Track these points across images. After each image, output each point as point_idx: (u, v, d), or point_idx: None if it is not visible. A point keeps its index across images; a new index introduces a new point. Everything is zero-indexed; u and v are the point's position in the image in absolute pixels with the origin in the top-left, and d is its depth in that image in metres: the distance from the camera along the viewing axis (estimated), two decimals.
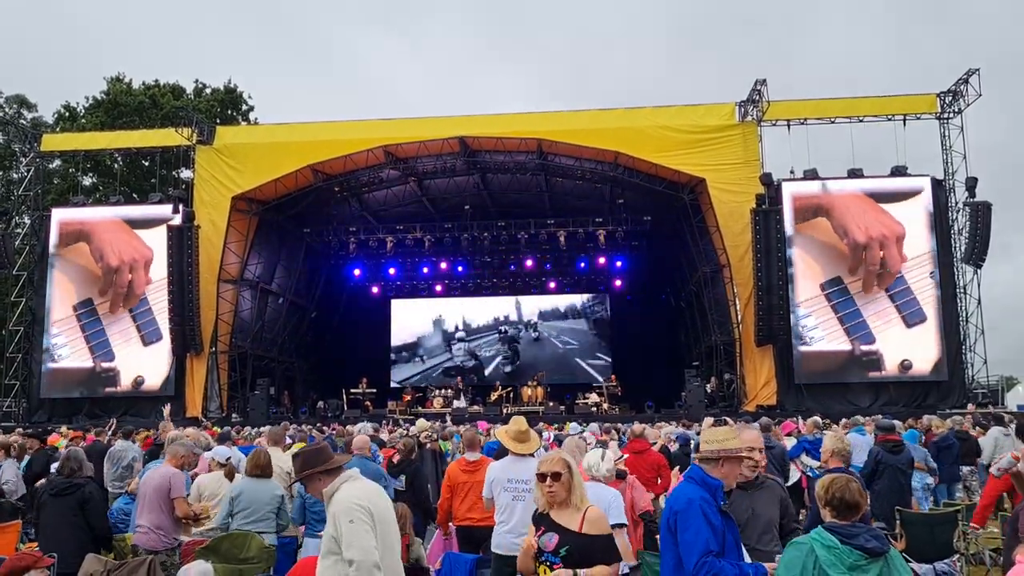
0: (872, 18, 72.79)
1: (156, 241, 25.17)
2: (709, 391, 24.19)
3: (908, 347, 22.80)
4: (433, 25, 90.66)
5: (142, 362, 24.98)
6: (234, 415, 24.12)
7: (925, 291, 22.97)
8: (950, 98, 24.20)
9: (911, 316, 22.88)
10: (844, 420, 13.93)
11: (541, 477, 3.94)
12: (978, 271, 23.64)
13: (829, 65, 69.67)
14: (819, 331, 23.08)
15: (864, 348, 22.81)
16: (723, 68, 73.56)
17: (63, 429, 17.09)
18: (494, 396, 26.67)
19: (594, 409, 24.82)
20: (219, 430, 14.37)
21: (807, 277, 23.32)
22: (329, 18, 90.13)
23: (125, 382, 24.99)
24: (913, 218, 23.31)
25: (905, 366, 22.73)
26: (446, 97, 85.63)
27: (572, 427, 14.38)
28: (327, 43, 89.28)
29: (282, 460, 7.82)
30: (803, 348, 22.98)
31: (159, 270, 24.85)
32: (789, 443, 10.68)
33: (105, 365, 25.05)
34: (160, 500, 6.24)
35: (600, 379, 28.27)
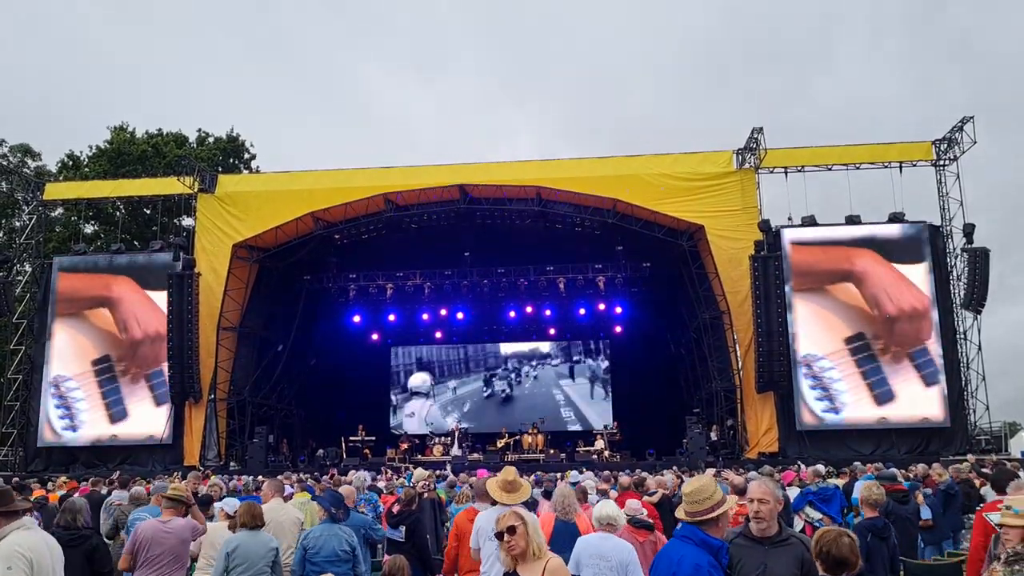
0: (888, 57, 73.28)
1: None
2: (712, 438, 24.03)
3: (923, 404, 22.80)
4: (450, 66, 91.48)
5: (153, 421, 24.94)
6: (232, 463, 23.96)
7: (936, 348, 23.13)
8: (945, 145, 24.43)
9: (929, 376, 22.89)
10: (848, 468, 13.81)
11: (499, 536, 3.92)
12: (978, 317, 23.64)
13: (846, 102, 69.99)
14: (843, 384, 23.03)
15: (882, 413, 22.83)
16: (739, 105, 74.00)
17: (62, 479, 16.97)
18: (500, 443, 26.36)
19: (595, 457, 24.62)
20: (215, 478, 14.24)
21: (832, 330, 23.32)
22: (343, 58, 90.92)
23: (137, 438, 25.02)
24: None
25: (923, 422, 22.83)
26: (458, 136, 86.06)
27: (572, 475, 14.24)
28: (338, 81, 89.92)
29: (290, 510, 7.79)
30: (833, 416, 22.94)
31: None
32: (792, 493, 10.57)
33: (113, 430, 25.06)
34: (187, 551, 6.27)
35: (601, 426, 28.09)
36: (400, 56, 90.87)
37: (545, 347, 32.13)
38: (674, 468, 17.47)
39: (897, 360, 22.97)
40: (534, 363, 32.12)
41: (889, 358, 23.00)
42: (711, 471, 12.66)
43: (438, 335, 31.52)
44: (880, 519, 6.39)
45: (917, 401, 22.79)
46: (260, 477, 14.97)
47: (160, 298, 25.14)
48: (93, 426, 25.14)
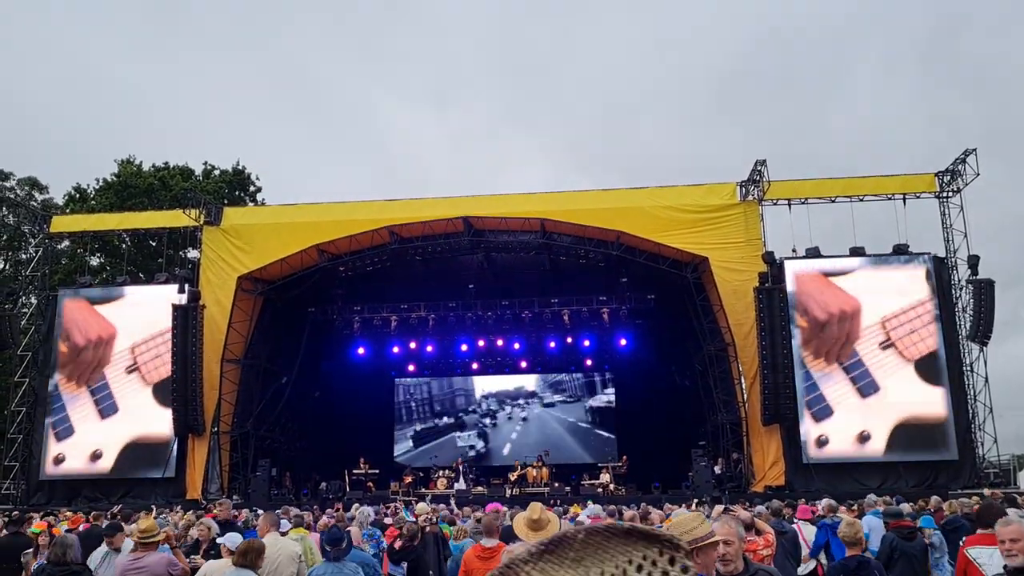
0: (904, 87, 73.02)
1: (116, 315, 25.72)
2: (718, 472, 23.84)
3: (863, 418, 22.72)
4: (462, 97, 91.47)
5: (99, 436, 24.93)
6: (235, 497, 23.78)
7: (877, 361, 23.02)
8: (948, 178, 24.48)
9: (865, 388, 22.87)
10: (854, 503, 13.66)
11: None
12: (984, 349, 23.54)
13: (860, 133, 69.59)
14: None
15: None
16: (752, 136, 73.69)
17: (66, 513, 16.88)
18: (513, 476, 26.16)
19: (600, 490, 24.41)
20: (217, 511, 14.11)
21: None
22: (352, 90, 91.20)
23: (82, 456, 24.85)
24: (869, 284, 23.56)
25: (864, 437, 22.56)
26: (467, 167, 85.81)
27: (586, 509, 14.07)
28: (345, 113, 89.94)
29: (288, 544, 7.73)
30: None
31: (121, 344, 25.43)
32: (807, 529, 10.32)
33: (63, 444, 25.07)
34: None
35: (606, 459, 27.90)
36: (410, 87, 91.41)
37: (550, 379, 32.02)
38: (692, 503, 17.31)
39: (830, 374, 23.13)
40: (538, 395, 31.98)
41: (822, 372, 23.15)
42: (719, 507, 12.52)
43: (442, 367, 31.46)
44: (854, 559, 6.28)
45: (859, 419, 22.85)
46: (258, 510, 14.85)
47: (104, 310, 25.75)
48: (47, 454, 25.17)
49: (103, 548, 8.03)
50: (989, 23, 67.17)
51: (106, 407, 25.12)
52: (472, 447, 31.38)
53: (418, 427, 32.28)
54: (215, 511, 10.66)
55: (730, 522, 4.28)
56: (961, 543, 6.64)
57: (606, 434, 30.99)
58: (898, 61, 72.70)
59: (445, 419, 32.27)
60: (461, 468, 26.29)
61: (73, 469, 24.89)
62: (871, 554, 8.62)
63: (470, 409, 32.23)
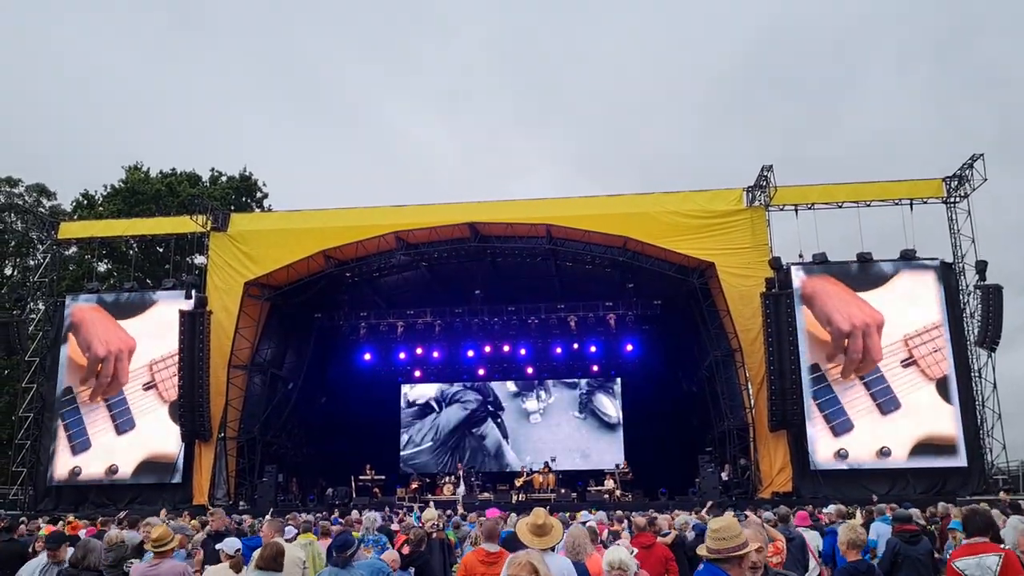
0: (917, 88, 71.88)
1: (137, 329, 25.73)
2: (725, 478, 23.76)
3: (884, 434, 22.58)
4: (471, 102, 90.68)
5: (115, 451, 24.98)
6: (241, 503, 23.82)
7: (900, 378, 22.91)
8: (955, 183, 24.41)
9: (886, 404, 22.74)
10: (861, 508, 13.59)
11: None
12: (992, 354, 23.43)
13: (872, 135, 68.58)
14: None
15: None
16: (762, 139, 72.84)
17: (70, 518, 16.89)
18: (519, 482, 26.11)
19: (607, 496, 24.35)
20: (211, 521, 14.08)
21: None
22: (361, 95, 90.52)
23: (99, 469, 24.91)
24: (893, 301, 23.41)
25: (884, 452, 22.48)
26: (475, 172, 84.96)
27: (583, 515, 14.05)
28: (354, 118, 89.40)
29: (291, 549, 7.73)
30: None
31: (139, 359, 25.44)
32: (809, 535, 10.27)
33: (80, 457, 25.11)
34: None
35: (612, 465, 27.81)
36: (418, 92, 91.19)
37: (556, 385, 31.97)
38: (695, 509, 17.24)
39: (851, 387, 23.03)
40: (545, 401, 31.94)
41: (843, 385, 23.06)
42: (729, 513, 12.47)
43: (448, 373, 31.45)
44: (863, 563, 6.24)
45: (879, 434, 22.74)
46: (263, 518, 14.82)
47: (127, 324, 25.76)
48: (61, 464, 25.22)
49: (41, 559, 7.44)
50: (1003, 25, 66.41)
51: (123, 422, 25.15)
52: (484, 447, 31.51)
53: (427, 434, 32.29)
54: (210, 521, 10.65)
55: (755, 526, 4.33)
56: (947, 557, 6.56)
57: (612, 440, 30.89)
58: (910, 63, 71.97)
59: (454, 421, 32.32)
60: (462, 473, 26.21)
61: (89, 479, 25.01)
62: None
63: (481, 411, 32.27)
